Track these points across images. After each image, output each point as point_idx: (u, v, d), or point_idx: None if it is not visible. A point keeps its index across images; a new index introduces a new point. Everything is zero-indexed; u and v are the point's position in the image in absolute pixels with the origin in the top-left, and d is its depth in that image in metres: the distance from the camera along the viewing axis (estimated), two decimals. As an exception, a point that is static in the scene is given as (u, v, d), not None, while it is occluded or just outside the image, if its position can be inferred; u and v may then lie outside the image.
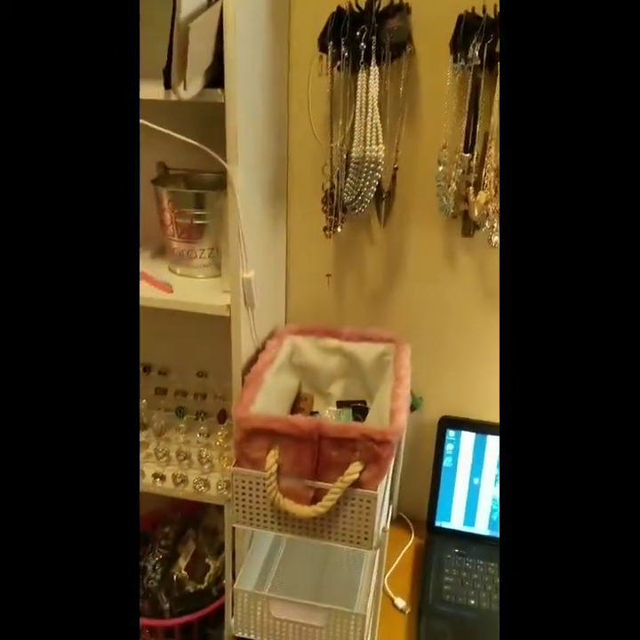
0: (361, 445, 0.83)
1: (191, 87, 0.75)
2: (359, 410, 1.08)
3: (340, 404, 1.10)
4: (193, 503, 1.25)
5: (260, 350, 1.03)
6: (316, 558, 1.15)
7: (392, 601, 1.10)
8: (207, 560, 1.23)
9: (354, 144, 0.96)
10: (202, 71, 0.77)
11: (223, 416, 1.18)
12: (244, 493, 0.90)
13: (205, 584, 1.20)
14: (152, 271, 1.02)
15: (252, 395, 0.92)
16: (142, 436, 1.16)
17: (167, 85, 0.75)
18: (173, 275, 1.04)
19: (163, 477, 1.08)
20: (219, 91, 0.79)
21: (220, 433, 1.15)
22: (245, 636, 1.03)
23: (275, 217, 1.04)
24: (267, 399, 0.95)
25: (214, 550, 1.24)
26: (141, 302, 0.96)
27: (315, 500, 0.86)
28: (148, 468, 1.10)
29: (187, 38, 0.69)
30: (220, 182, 1.05)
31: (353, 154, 0.96)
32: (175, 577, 1.23)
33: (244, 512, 0.91)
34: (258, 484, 0.88)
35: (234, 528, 0.98)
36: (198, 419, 1.20)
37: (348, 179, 0.98)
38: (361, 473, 0.83)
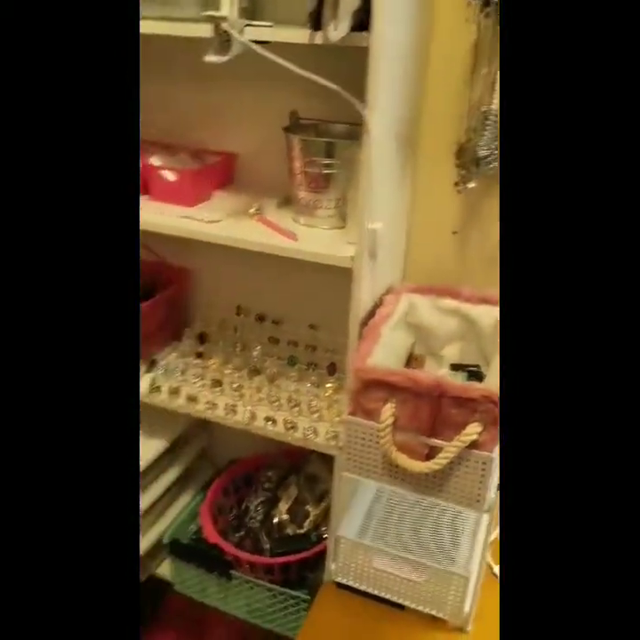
0: (482, 407, 0.81)
1: (340, 29, 0.74)
2: (473, 374, 1.06)
3: (455, 367, 1.08)
4: (296, 451, 1.29)
5: (377, 305, 1.03)
6: (418, 514, 1.16)
7: (491, 568, 1.09)
8: (308, 506, 1.26)
9: (494, 96, 0.91)
10: (350, 14, 0.76)
11: (333, 369, 1.20)
12: (356, 443, 0.91)
13: (305, 529, 1.24)
14: (277, 220, 1.04)
15: (370, 347, 0.92)
16: (256, 381, 1.20)
17: (316, 27, 0.74)
18: (297, 224, 1.05)
19: (274, 421, 1.11)
20: (364, 34, 0.77)
21: (329, 385, 1.17)
22: (345, 582, 1.06)
23: (403, 168, 1.02)
24: (383, 353, 0.94)
25: (315, 497, 1.27)
26: (266, 249, 0.97)
27: (428, 456, 0.86)
28: (260, 411, 1.13)
29: (340, -24, 0.68)
30: (350, 133, 1.04)
31: (493, 106, 0.92)
32: (276, 519, 1.27)
33: (354, 461, 0.92)
34: (371, 435, 0.89)
35: (341, 476, 1.00)
36: (309, 369, 1.22)
37: (485, 132, 0.94)
38: (479, 434, 0.82)
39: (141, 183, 1.11)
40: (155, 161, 1.12)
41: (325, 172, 0.98)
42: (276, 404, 1.15)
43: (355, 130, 1.04)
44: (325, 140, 0.99)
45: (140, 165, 1.10)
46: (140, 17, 0.83)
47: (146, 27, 0.87)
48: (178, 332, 1.31)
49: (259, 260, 1.22)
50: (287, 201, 1.10)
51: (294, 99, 1.10)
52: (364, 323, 0.97)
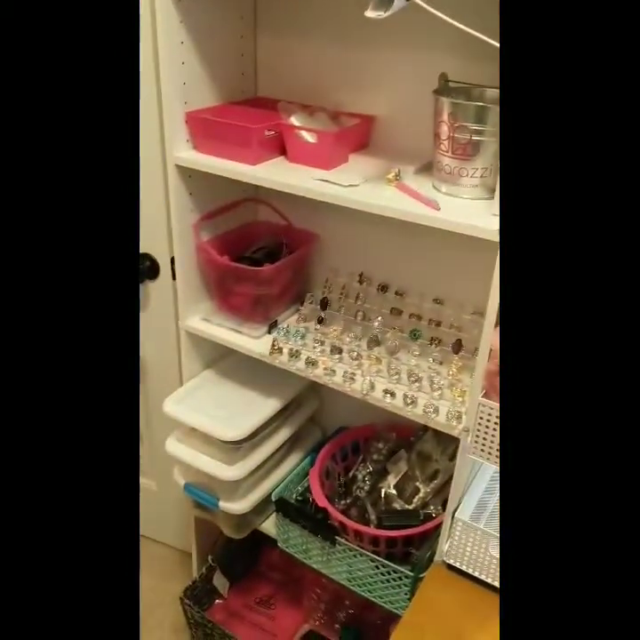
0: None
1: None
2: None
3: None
4: (405, 426, 1.26)
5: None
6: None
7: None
8: (417, 483, 1.24)
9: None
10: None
11: (458, 347, 1.15)
12: (487, 427, 0.87)
13: (413, 506, 1.22)
14: (416, 187, 0.99)
15: (510, 328, 0.87)
16: (375, 352, 1.18)
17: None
18: (437, 192, 1.00)
19: (393, 394, 1.09)
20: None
21: (453, 363, 1.13)
22: (456, 565, 1.03)
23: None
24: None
25: (426, 476, 1.25)
26: (406, 217, 0.94)
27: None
28: (378, 384, 1.11)
29: None
30: (503, 97, 0.97)
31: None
32: (383, 492, 1.26)
33: (483, 445, 0.89)
34: (505, 420, 0.84)
35: (465, 458, 0.97)
36: (431, 345, 1.18)
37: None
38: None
39: (278, 143, 1.11)
40: (294, 121, 1.10)
41: (475, 138, 0.92)
42: (396, 377, 1.13)
43: (509, 94, 0.98)
44: (478, 104, 0.92)
45: (279, 124, 1.09)
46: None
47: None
48: (300, 296, 1.31)
49: (385, 227, 1.19)
50: (426, 167, 1.06)
51: (438, 61, 1.04)
52: (504, 301, 0.92)
